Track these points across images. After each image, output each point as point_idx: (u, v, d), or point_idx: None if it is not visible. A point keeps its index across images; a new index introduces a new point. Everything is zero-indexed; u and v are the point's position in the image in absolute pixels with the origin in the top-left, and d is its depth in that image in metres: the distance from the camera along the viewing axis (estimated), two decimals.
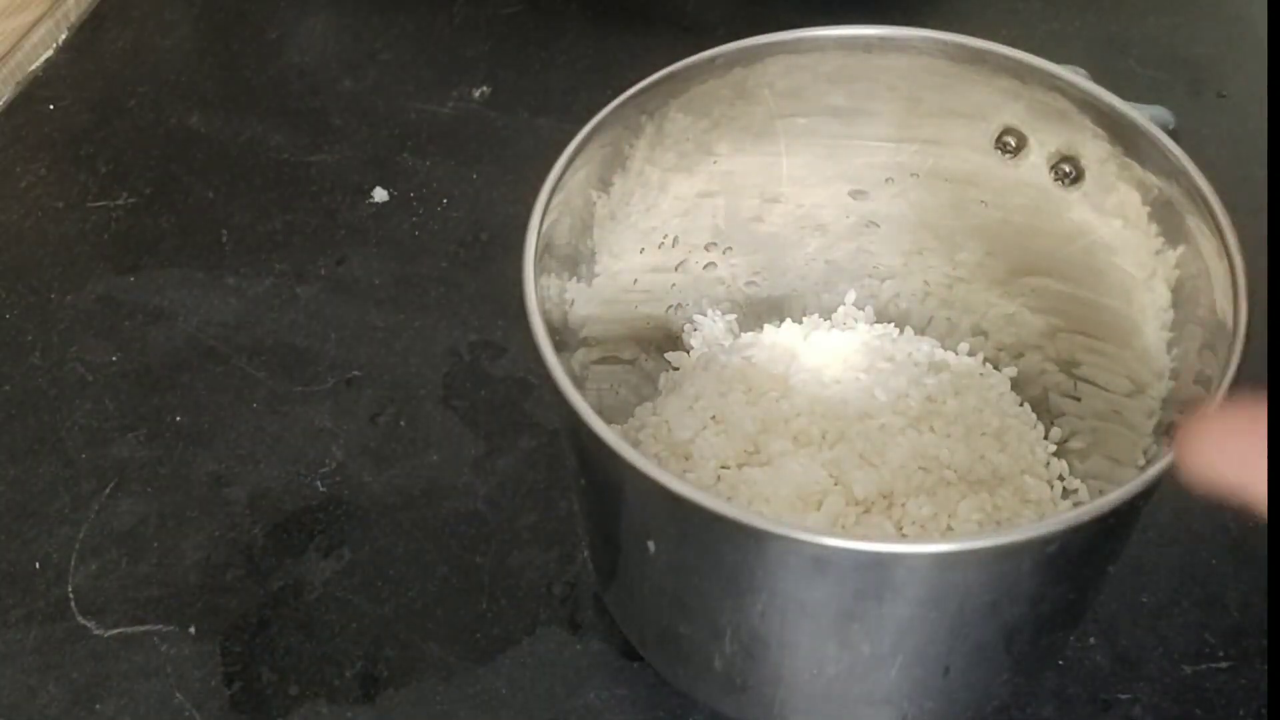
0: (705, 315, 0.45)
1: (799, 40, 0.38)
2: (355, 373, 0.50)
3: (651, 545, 0.33)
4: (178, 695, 0.41)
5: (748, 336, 0.45)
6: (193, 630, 0.43)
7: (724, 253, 0.44)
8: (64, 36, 0.66)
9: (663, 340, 0.45)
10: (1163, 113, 0.43)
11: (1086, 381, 0.41)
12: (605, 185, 0.38)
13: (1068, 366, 0.41)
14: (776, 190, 0.43)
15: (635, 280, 0.42)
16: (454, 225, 0.56)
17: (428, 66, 0.63)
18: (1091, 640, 0.41)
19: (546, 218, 0.34)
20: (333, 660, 0.42)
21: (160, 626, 0.43)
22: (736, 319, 0.45)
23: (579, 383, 0.32)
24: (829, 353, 0.43)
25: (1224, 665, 0.41)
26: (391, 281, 0.54)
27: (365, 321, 0.52)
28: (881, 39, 0.38)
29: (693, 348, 0.44)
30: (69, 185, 0.59)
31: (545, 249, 0.34)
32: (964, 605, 0.30)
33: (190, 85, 0.64)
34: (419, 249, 0.55)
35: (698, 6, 0.66)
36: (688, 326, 0.45)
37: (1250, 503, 0.18)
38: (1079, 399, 0.41)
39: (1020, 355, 0.43)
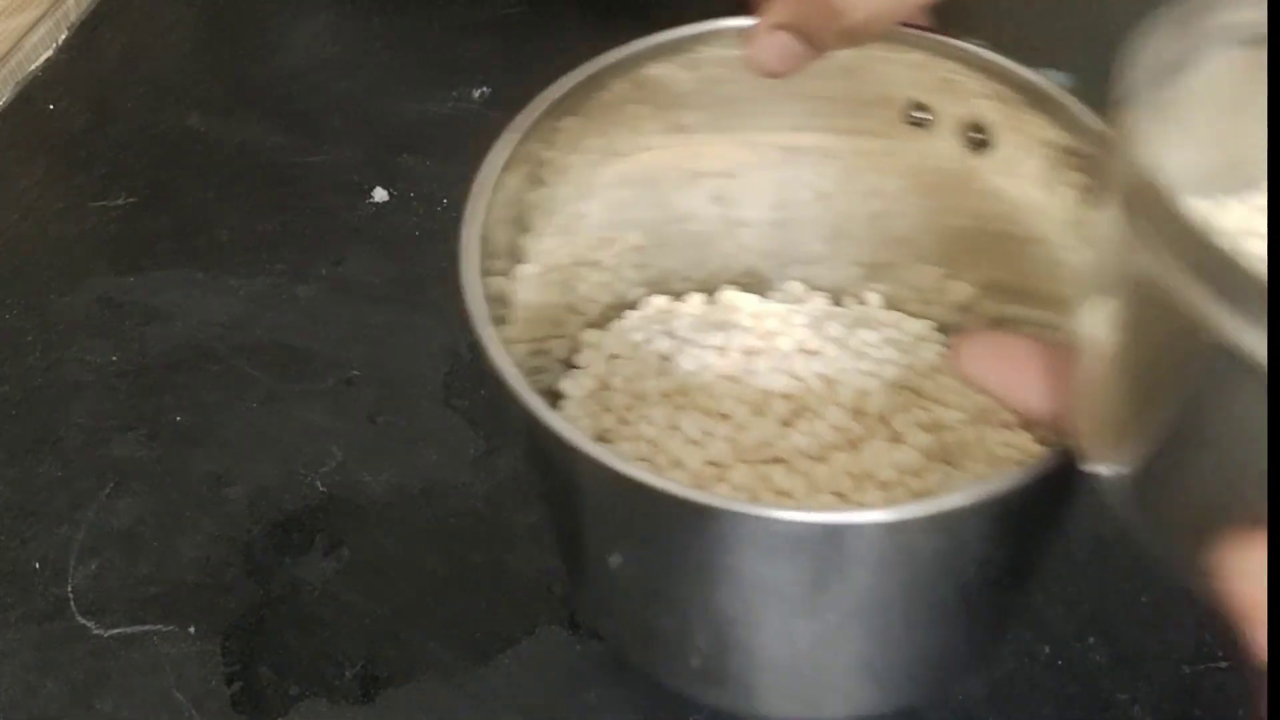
0: (640, 310, 0.44)
1: (712, 32, 0.38)
2: (354, 372, 0.50)
3: (612, 535, 0.33)
4: (177, 695, 0.41)
5: (685, 317, 0.44)
6: (192, 630, 0.43)
7: (658, 248, 0.44)
8: (64, 37, 0.66)
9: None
10: (1060, 75, 0.43)
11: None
12: (535, 188, 0.38)
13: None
14: (702, 183, 0.43)
15: (569, 279, 0.42)
16: (454, 225, 0.56)
17: (428, 67, 0.63)
18: (1091, 640, 0.42)
19: (479, 224, 0.34)
20: (332, 660, 0.42)
21: (159, 626, 0.43)
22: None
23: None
24: (767, 334, 0.42)
25: (1224, 665, 0.41)
26: (391, 281, 0.54)
27: (364, 321, 0.52)
28: None
29: (630, 342, 0.44)
30: (67, 186, 0.59)
31: (483, 255, 0.35)
32: (920, 569, 0.31)
33: (189, 86, 0.64)
34: (419, 249, 0.55)
35: (701, 7, 0.66)
36: (625, 323, 0.44)
37: (1005, 402, 0.25)
38: None
39: (955, 324, 0.43)
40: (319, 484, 0.47)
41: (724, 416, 0.38)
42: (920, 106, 0.39)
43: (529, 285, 0.39)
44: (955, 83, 0.38)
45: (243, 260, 0.55)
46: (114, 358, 0.51)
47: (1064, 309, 0.37)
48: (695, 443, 0.38)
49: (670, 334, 0.41)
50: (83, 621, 0.43)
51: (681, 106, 0.40)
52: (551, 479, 0.34)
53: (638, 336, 0.42)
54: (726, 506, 0.29)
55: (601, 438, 0.40)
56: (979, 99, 0.37)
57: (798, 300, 0.44)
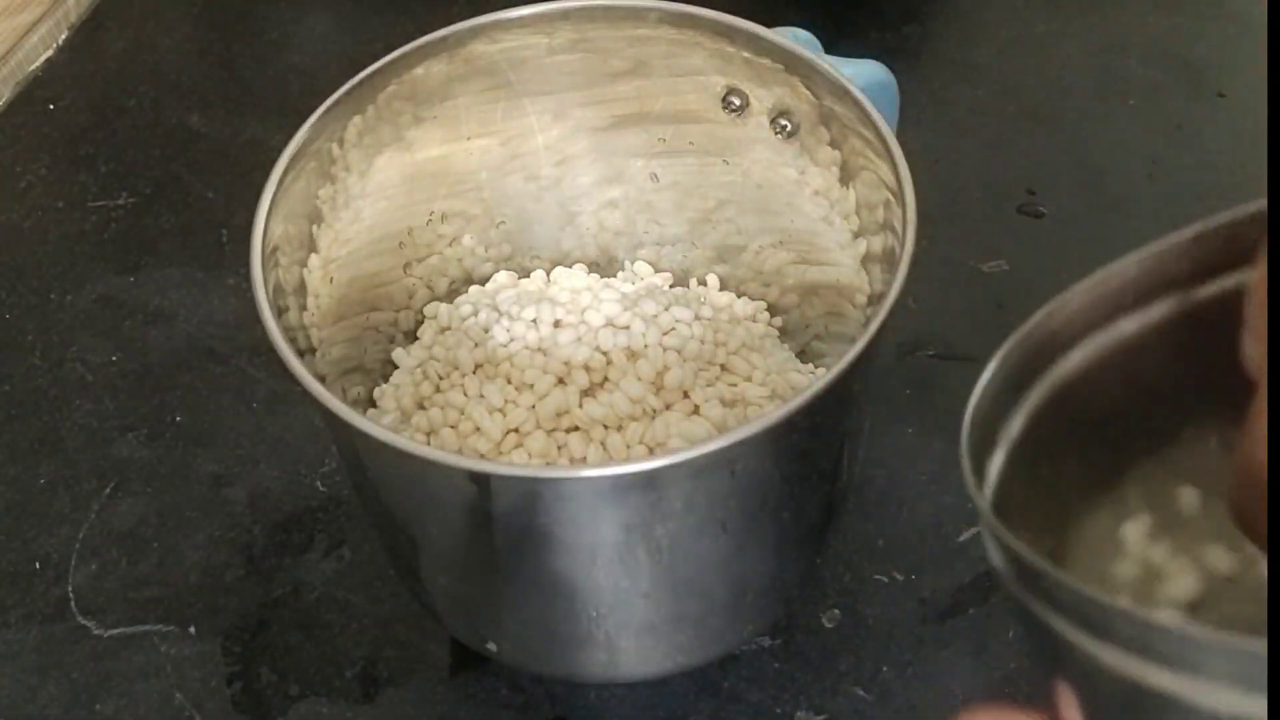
0: (484, 286, 0.46)
1: (527, 17, 0.39)
2: None
3: (405, 512, 0.34)
4: (178, 695, 0.41)
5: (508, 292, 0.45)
6: (193, 630, 0.43)
7: (497, 226, 0.45)
8: (64, 36, 0.66)
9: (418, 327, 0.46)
10: (804, 32, 0.45)
11: (832, 330, 0.43)
12: (368, 162, 0.40)
13: (818, 319, 0.44)
14: (536, 168, 0.44)
15: (407, 264, 0.44)
16: None
17: None
18: None
19: (263, 222, 0.35)
20: (333, 660, 0.42)
21: (160, 626, 0.43)
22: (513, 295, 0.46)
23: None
24: (579, 309, 0.43)
25: None
26: None
27: None
28: (605, 10, 0.40)
29: (460, 316, 0.45)
30: (69, 185, 0.59)
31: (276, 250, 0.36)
32: (714, 508, 0.32)
33: (190, 85, 0.64)
34: None
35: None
36: (462, 298, 0.45)
37: None
38: (828, 340, 0.44)
39: (779, 300, 0.45)
40: (319, 485, 0.47)
41: (528, 386, 0.40)
42: (734, 92, 0.41)
43: (328, 272, 0.40)
44: (760, 71, 0.39)
45: (244, 260, 0.55)
46: (115, 358, 0.51)
47: (840, 283, 0.41)
48: (498, 410, 0.40)
49: (495, 308, 0.43)
50: (83, 622, 0.43)
51: (509, 86, 0.41)
52: (346, 460, 0.36)
53: (467, 310, 0.44)
54: (500, 471, 0.31)
55: (420, 405, 0.41)
56: (781, 86, 0.39)
57: (639, 280, 0.46)
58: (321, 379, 0.32)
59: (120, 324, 0.53)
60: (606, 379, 0.40)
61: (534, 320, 0.42)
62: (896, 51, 0.60)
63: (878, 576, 0.43)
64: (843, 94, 0.37)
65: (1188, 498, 0.23)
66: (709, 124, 0.42)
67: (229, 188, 0.58)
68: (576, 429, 0.39)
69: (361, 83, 0.38)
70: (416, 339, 0.44)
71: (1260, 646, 0.15)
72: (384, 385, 0.43)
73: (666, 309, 0.42)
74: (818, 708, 0.40)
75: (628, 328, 0.41)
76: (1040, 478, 0.22)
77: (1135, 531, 0.22)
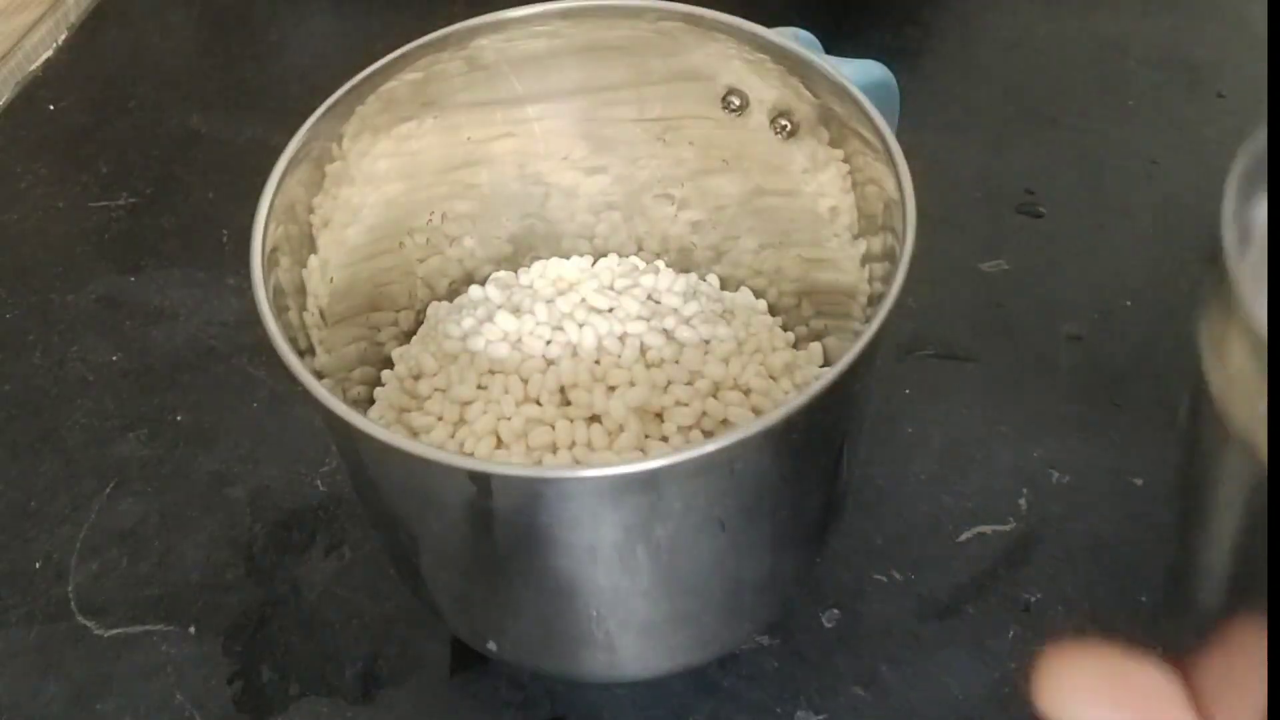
0: (476, 289, 0.46)
1: (526, 16, 0.39)
2: None
3: (431, 520, 0.34)
4: (178, 695, 0.41)
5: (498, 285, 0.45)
6: (193, 630, 0.43)
7: (498, 226, 0.45)
8: (64, 36, 0.66)
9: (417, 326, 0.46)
10: (804, 33, 0.44)
11: (832, 330, 0.43)
12: (325, 183, 0.39)
13: (818, 319, 0.44)
14: (537, 168, 0.44)
15: (407, 265, 0.44)
16: None
17: None
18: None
19: (263, 222, 0.35)
20: (333, 659, 0.42)
21: (161, 626, 0.43)
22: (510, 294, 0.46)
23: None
24: (576, 305, 0.43)
25: None
26: None
27: None
28: (605, 9, 0.40)
29: (466, 319, 0.45)
30: (69, 185, 0.59)
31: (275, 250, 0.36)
32: (709, 506, 0.32)
33: (190, 85, 0.64)
34: None
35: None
36: (461, 297, 0.45)
37: None
38: (827, 338, 0.44)
39: (779, 300, 0.45)
40: (319, 484, 0.47)
41: (522, 381, 0.40)
42: (734, 91, 0.41)
43: (328, 272, 0.40)
44: (760, 70, 0.39)
45: (244, 260, 0.55)
46: (116, 357, 0.51)
47: (841, 284, 0.40)
48: (494, 404, 0.40)
49: (495, 308, 0.43)
50: (83, 622, 0.43)
51: (509, 86, 0.42)
52: (346, 460, 0.36)
53: (467, 310, 0.44)
54: (502, 471, 0.31)
55: (419, 405, 0.42)
56: (782, 87, 0.39)
57: (640, 280, 0.45)
58: (322, 379, 0.32)
59: (121, 324, 0.53)
60: (607, 379, 0.40)
61: (534, 320, 0.42)
62: (896, 51, 0.60)
63: (877, 576, 0.43)
64: (843, 94, 0.37)
65: None
66: (709, 124, 0.42)
67: (229, 188, 0.58)
68: (568, 420, 0.39)
69: (361, 83, 0.38)
70: (416, 339, 0.44)
71: None
72: (383, 385, 0.43)
73: (658, 302, 0.42)
74: (817, 707, 0.40)
75: (628, 328, 0.41)
76: None
77: None
